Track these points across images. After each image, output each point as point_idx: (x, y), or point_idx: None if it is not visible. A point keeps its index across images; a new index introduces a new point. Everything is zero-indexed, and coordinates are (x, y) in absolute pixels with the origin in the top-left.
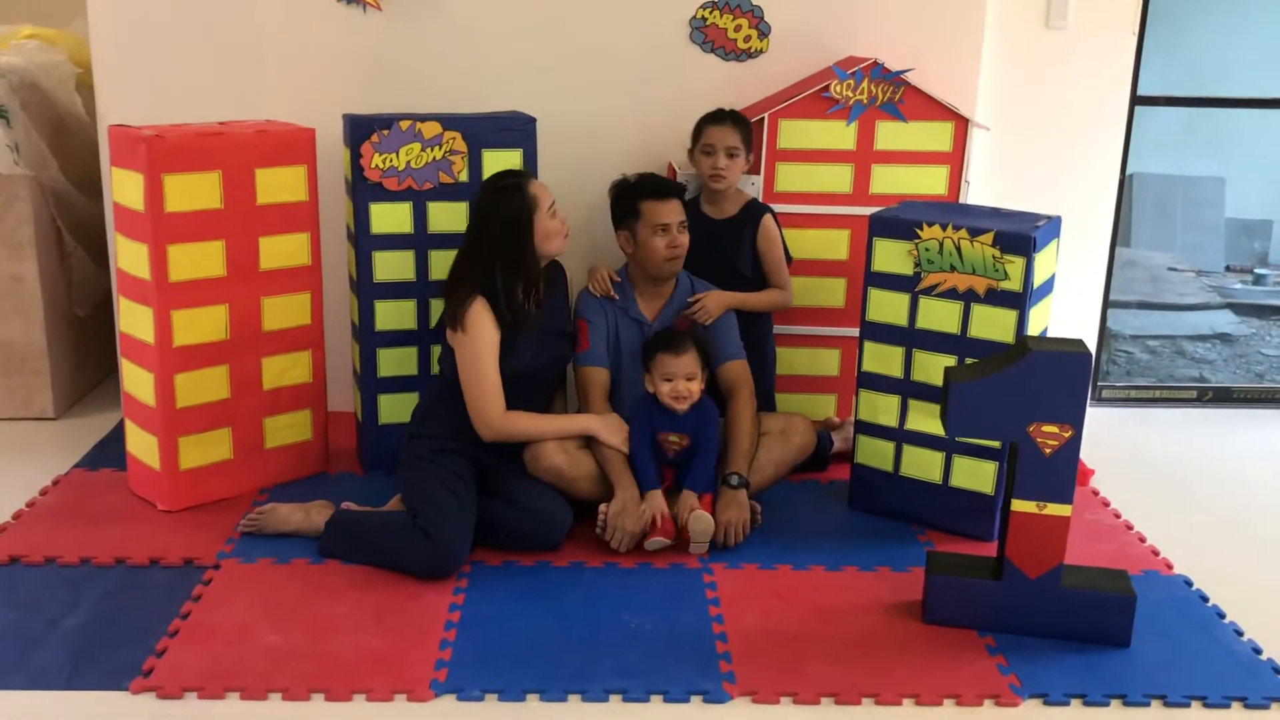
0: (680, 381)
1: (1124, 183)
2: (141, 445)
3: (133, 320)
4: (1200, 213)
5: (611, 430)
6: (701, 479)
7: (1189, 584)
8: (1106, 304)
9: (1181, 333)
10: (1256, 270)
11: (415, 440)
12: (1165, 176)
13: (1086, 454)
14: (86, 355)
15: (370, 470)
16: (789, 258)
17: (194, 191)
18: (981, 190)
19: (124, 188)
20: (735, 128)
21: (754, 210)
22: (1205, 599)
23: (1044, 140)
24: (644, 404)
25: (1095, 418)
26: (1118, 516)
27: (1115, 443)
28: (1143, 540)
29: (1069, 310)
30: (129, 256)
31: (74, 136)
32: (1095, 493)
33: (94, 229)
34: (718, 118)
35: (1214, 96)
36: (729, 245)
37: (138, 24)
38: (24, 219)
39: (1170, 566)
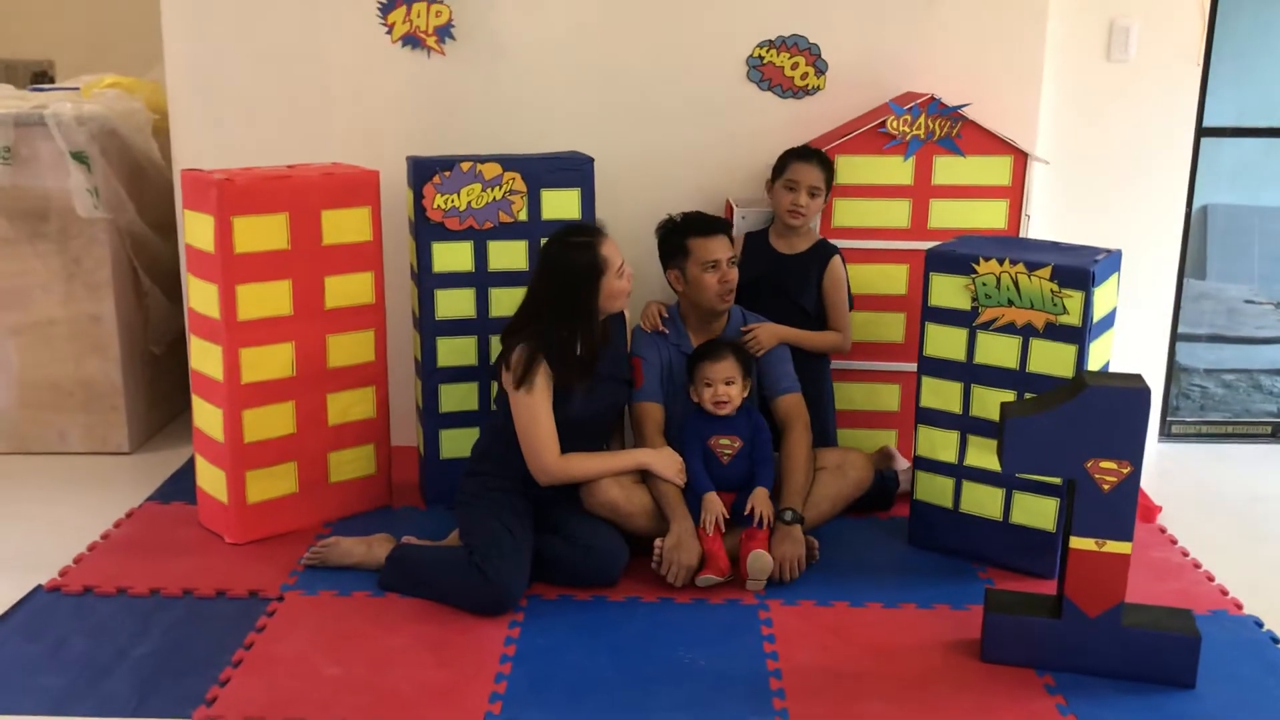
0: (720, 385)
1: (1190, 215)
2: (211, 479)
3: (203, 358)
4: (1278, 244)
5: (665, 464)
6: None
7: (1259, 625)
8: (1175, 338)
9: (1258, 366)
10: None
11: (472, 478)
12: (1240, 207)
13: (1154, 490)
14: (161, 392)
15: (432, 504)
16: (851, 303)
17: (262, 233)
18: (1042, 225)
19: (196, 230)
20: (821, 168)
21: (823, 250)
22: (1276, 640)
23: (1106, 174)
24: (692, 416)
25: (1164, 453)
26: (1185, 554)
27: (1185, 479)
28: (1211, 579)
29: (1135, 345)
30: (200, 296)
31: (150, 181)
32: (1162, 530)
33: (169, 269)
34: (805, 155)
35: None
36: (795, 281)
37: (211, 72)
38: (102, 260)
39: (1239, 606)
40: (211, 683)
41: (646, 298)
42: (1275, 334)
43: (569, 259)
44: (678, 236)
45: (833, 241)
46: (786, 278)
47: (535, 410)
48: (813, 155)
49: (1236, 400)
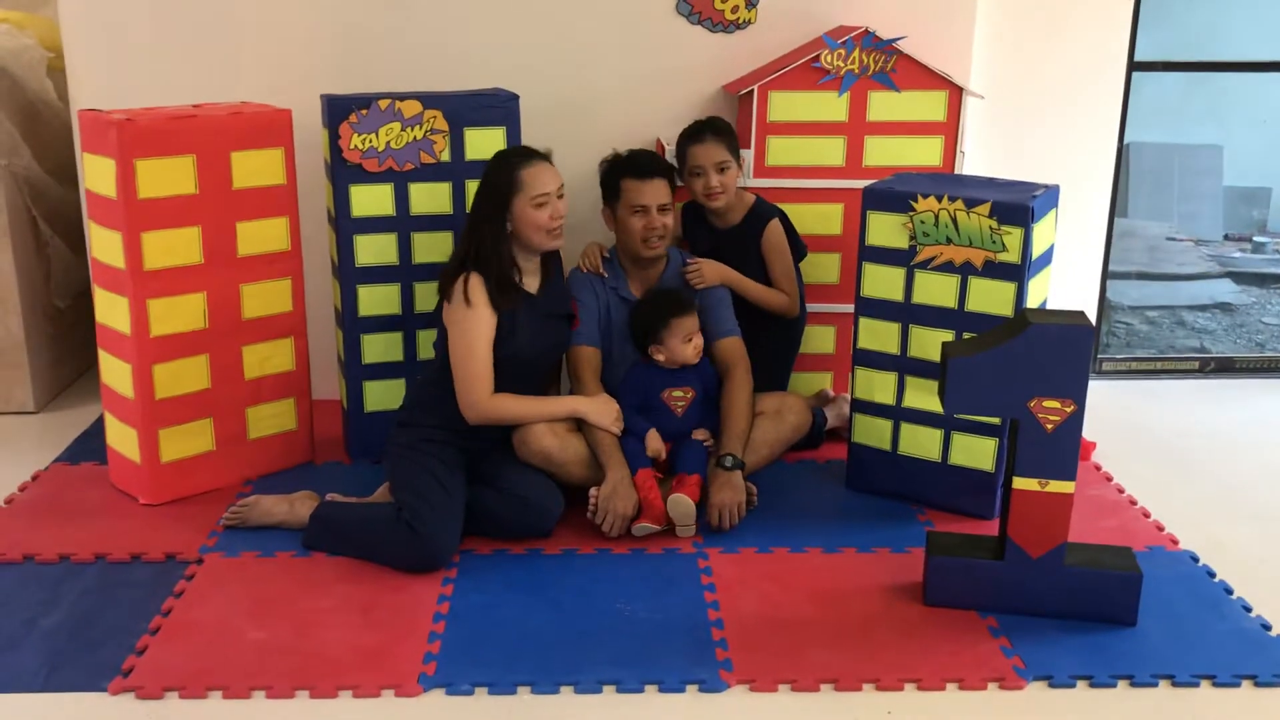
0: (697, 336)
1: (1121, 151)
2: (121, 438)
3: (109, 310)
4: (1198, 181)
5: (602, 411)
6: (693, 458)
7: (1195, 559)
8: (1106, 275)
9: (1181, 303)
10: (1256, 238)
11: (403, 429)
12: (1162, 145)
13: (1087, 428)
14: (67, 348)
15: (357, 459)
16: (804, 251)
17: (168, 177)
18: (977, 161)
19: (96, 174)
20: (719, 140)
21: (759, 216)
22: (1212, 575)
23: (1040, 108)
24: (638, 368)
25: (1096, 390)
26: (1121, 491)
27: (1116, 416)
28: (1147, 516)
29: (1068, 282)
30: (103, 245)
31: (46, 123)
32: (1098, 468)
33: (71, 218)
34: (697, 135)
35: (1212, 61)
36: (734, 255)
37: (109, 6)
38: None
39: (1175, 542)
40: (128, 652)
41: (575, 242)
42: (1196, 270)
43: (489, 174)
44: (613, 175)
45: (765, 182)
46: (726, 253)
47: (473, 338)
48: (705, 131)
49: (1161, 337)
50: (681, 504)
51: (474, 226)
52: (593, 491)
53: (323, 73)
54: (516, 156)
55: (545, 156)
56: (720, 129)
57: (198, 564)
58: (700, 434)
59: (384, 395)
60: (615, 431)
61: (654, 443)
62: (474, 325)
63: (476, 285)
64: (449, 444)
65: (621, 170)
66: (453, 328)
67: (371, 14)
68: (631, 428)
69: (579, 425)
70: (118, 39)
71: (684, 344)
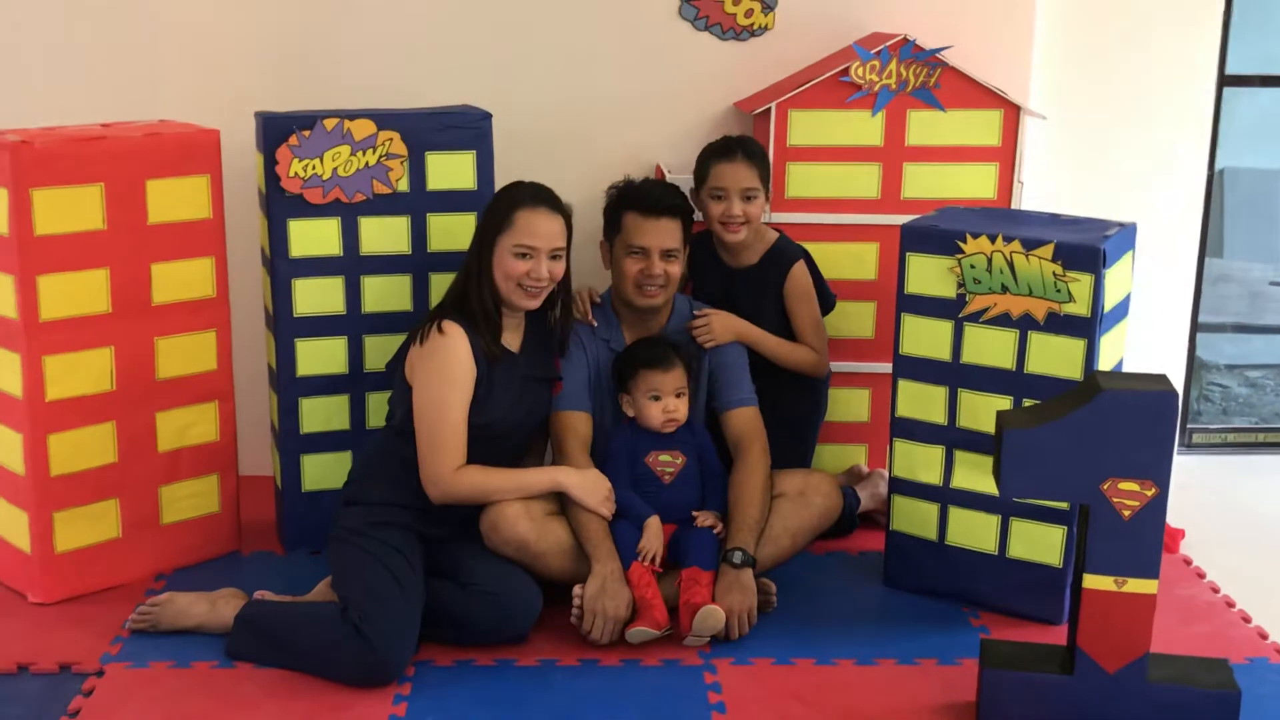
0: (670, 399)
1: (1212, 180)
2: (8, 523)
3: None
4: None
5: (590, 487)
6: (705, 550)
7: None
8: (1195, 328)
9: None
10: None
11: (351, 508)
12: (1261, 171)
13: (1174, 514)
14: None
15: (292, 549)
16: (833, 302)
17: (70, 209)
18: (1038, 193)
19: None
20: (751, 163)
21: (781, 256)
22: None
23: (1113, 131)
24: (623, 432)
25: (1183, 468)
26: (1215, 591)
27: (1209, 499)
28: (1247, 620)
29: (1149, 338)
30: None
31: None
32: (1187, 562)
33: None
34: (728, 152)
35: None
36: (748, 301)
37: (4, 6)
38: None
39: None
40: None
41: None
42: None
43: (488, 203)
44: (616, 206)
45: (786, 216)
46: (739, 297)
47: (446, 393)
48: (736, 149)
49: (1264, 402)
50: (712, 616)
51: (463, 263)
52: (577, 589)
53: (257, 87)
54: (523, 193)
55: (560, 208)
56: (754, 151)
57: (98, 676)
58: (706, 518)
59: (326, 471)
60: (605, 514)
61: (652, 541)
62: (449, 377)
63: (456, 330)
64: (406, 527)
65: (626, 202)
66: (422, 379)
67: (317, 18)
68: (626, 509)
69: (561, 508)
70: (13, 46)
71: (649, 402)
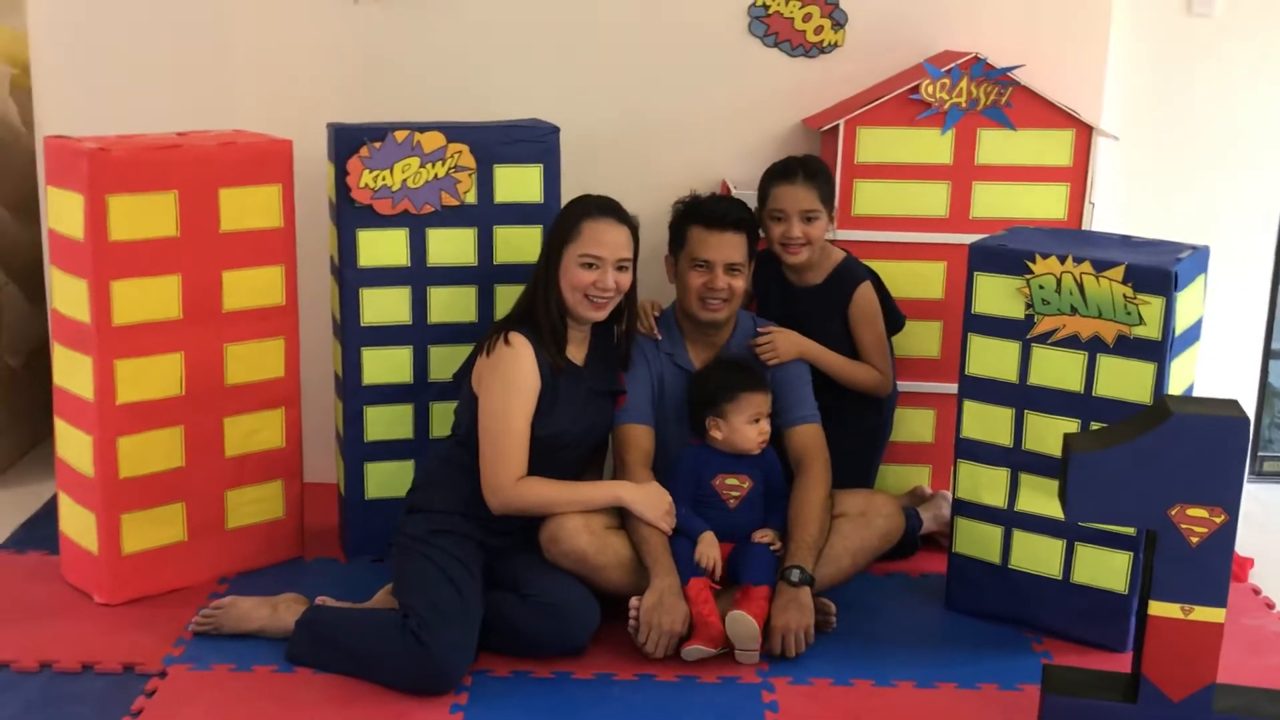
0: (765, 420)
1: None
2: (77, 524)
3: (69, 372)
4: None
5: (651, 502)
6: (761, 566)
7: None
8: (1268, 355)
9: None
10: None
11: (413, 516)
12: None
13: (1243, 542)
14: (19, 414)
15: (354, 556)
16: (901, 323)
17: (144, 216)
18: (1109, 215)
19: (62, 211)
20: (811, 184)
21: (847, 277)
22: None
23: (1186, 152)
24: (693, 451)
25: (1253, 496)
26: None
27: None
28: None
29: (1220, 363)
30: (66, 295)
31: (6, 149)
32: (1256, 591)
33: (30, 261)
34: (788, 173)
35: None
36: (813, 321)
37: (85, 17)
38: None
39: None
40: None
41: None
42: None
43: (556, 216)
44: (682, 219)
45: (852, 234)
46: (802, 317)
47: (511, 404)
48: (797, 170)
49: None
50: (742, 623)
51: (532, 275)
52: (634, 600)
53: (330, 99)
54: (589, 205)
55: (626, 219)
56: (815, 171)
57: (160, 677)
58: (764, 535)
59: (389, 480)
60: (665, 529)
61: (708, 549)
62: (514, 388)
63: (522, 342)
64: (468, 536)
65: (691, 215)
66: (487, 389)
67: (389, 32)
68: (684, 526)
69: (621, 521)
70: (93, 55)
71: (749, 424)
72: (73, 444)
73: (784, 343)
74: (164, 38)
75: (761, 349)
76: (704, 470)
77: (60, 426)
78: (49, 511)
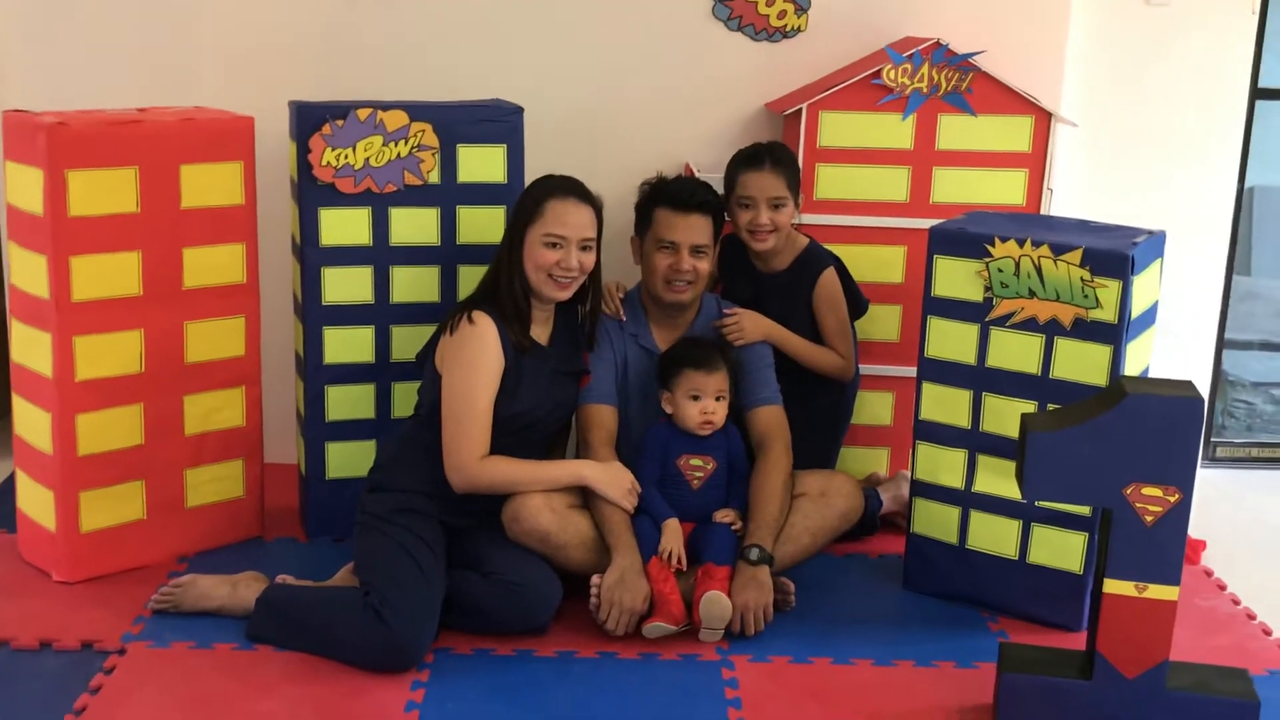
0: (709, 401)
1: (1242, 195)
2: (35, 501)
3: (27, 348)
4: None
5: (613, 481)
6: (722, 546)
7: None
8: (1221, 344)
9: None
10: None
11: (376, 495)
12: None
13: (1196, 525)
14: None
15: (315, 535)
16: (864, 306)
17: (104, 192)
18: (1067, 200)
19: (20, 186)
20: (779, 171)
21: (811, 263)
22: None
23: (1143, 141)
24: (657, 428)
25: (1207, 480)
26: (1236, 603)
27: (1232, 512)
28: (1268, 633)
29: (1175, 349)
30: (24, 270)
31: None
32: (1208, 573)
33: None
34: (755, 160)
35: None
36: (778, 306)
37: None
38: None
39: None
40: None
41: None
42: None
43: (520, 196)
44: (648, 201)
45: (814, 218)
46: (768, 302)
47: (474, 382)
48: (764, 157)
49: None
50: (718, 604)
51: (495, 255)
52: (595, 579)
53: (292, 76)
54: (552, 185)
55: (590, 199)
56: (782, 159)
57: (119, 654)
58: (725, 515)
59: (350, 459)
60: (627, 507)
61: (671, 541)
62: (478, 368)
63: (486, 321)
64: (430, 515)
65: (657, 197)
66: (450, 368)
67: (352, 9)
68: (647, 506)
69: (583, 500)
70: (54, 30)
71: (688, 402)
72: (31, 421)
73: (750, 324)
74: (126, 13)
75: (728, 330)
76: (669, 448)
77: (18, 403)
78: (7, 489)
